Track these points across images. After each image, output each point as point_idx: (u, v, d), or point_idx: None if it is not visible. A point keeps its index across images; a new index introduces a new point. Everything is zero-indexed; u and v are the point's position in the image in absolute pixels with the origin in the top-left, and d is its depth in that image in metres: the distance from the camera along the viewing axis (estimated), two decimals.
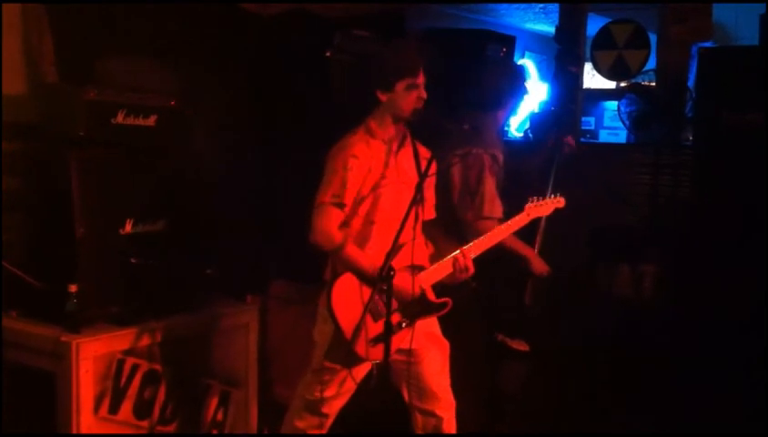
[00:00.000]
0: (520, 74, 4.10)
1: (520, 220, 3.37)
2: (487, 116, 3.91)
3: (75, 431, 3.20)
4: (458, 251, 3.20)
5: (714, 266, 4.25)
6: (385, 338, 2.87)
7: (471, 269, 3.20)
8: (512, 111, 4.10)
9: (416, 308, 3.16)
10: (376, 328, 3.03)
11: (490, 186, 3.78)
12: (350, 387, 3.18)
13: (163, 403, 3.56)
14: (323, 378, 3.17)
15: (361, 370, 3.16)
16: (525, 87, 4.04)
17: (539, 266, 3.91)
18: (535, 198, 3.39)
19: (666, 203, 4.72)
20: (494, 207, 3.78)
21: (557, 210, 3.48)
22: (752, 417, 3.90)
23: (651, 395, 4.31)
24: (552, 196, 3.48)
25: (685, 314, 4.28)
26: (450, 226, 3.67)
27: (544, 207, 3.41)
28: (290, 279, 4.03)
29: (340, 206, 3.08)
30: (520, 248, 3.81)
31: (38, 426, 3.27)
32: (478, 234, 3.62)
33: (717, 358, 4.08)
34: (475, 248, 3.23)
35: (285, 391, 3.62)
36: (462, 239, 3.58)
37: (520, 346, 4.13)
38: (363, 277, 3.07)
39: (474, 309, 3.81)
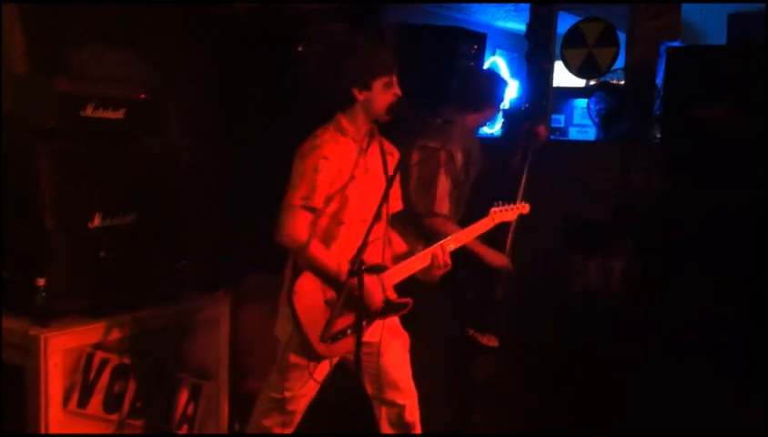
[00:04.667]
0: (499, 83, 4.11)
1: (485, 224, 3.37)
2: (457, 115, 3.88)
3: (43, 425, 3.17)
4: (436, 246, 3.19)
5: (681, 261, 4.31)
6: (356, 332, 2.86)
7: (450, 265, 3.20)
8: (485, 119, 4.10)
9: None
10: (336, 325, 3.00)
11: (442, 183, 3.80)
12: (314, 384, 3.16)
13: (133, 397, 3.54)
14: (288, 375, 3.16)
15: (324, 367, 3.16)
16: (501, 98, 4.07)
17: (495, 259, 3.94)
18: (500, 202, 3.39)
19: (633, 198, 4.77)
20: (443, 204, 3.81)
21: (522, 216, 3.49)
22: (721, 411, 3.97)
23: (623, 391, 4.35)
24: (519, 201, 3.50)
25: (653, 310, 4.33)
26: (409, 219, 3.67)
27: (509, 212, 3.41)
28: (262, 271, 4.02)
29: (311, 209, 3.05)
30: (474, 245, 3.76)
31: (7, 420, 3.24)
32: (426, 229, 3.65)
33: (691, 354, 4.14)
34: (453, 241, 3.23)
35: (256, 385, 3.61)
36: (421, 234, 3.60)
37: (490, 342, 4.15)
38: (326, 276, 3.04)
39: (440, 303, 3.83)
